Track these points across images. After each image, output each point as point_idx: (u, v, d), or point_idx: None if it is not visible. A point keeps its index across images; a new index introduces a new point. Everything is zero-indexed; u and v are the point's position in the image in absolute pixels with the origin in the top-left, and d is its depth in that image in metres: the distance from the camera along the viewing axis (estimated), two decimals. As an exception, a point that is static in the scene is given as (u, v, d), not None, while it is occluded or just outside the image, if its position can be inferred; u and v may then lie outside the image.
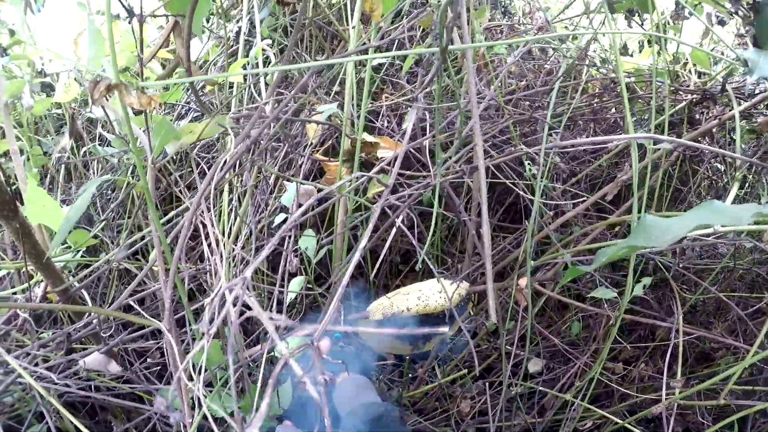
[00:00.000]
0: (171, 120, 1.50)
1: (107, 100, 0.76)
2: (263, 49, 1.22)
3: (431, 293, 1.24)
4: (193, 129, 0.90)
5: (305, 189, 1.36)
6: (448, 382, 1.61)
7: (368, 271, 1.72)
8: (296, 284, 1.23)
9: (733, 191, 0.95)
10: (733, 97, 1.07)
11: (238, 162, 1.24)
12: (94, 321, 1.02)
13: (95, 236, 1.22)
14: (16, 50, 1.31)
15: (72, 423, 1.05)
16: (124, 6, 0.89)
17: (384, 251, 1.12)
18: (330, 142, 1.51)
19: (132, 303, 1.06)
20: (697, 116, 1.34)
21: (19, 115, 1.56)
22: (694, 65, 1.40)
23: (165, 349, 0.91)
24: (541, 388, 1.55)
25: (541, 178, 1.27)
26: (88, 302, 1.13)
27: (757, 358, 1.01)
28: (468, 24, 1.39)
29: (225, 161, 0.92)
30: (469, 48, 0.88)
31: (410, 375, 1.67)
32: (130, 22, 0.92)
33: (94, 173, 1.58)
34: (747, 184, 1.60)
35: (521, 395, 1.61)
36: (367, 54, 1.24)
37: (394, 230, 1.11)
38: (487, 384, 1.50)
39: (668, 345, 1.39)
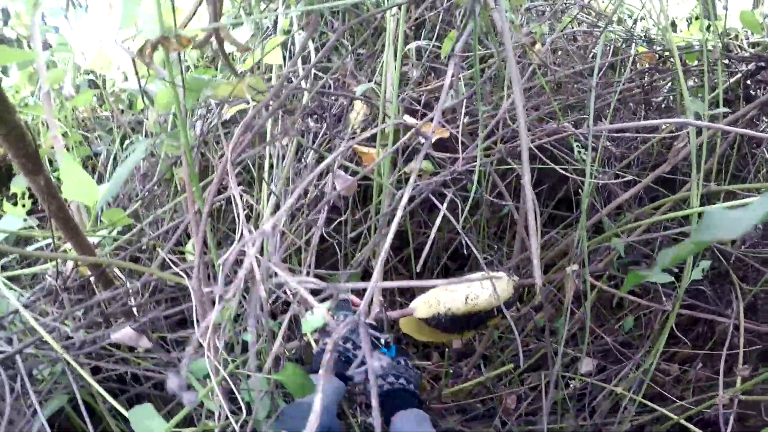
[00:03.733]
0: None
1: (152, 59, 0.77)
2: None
3: (480, 291, 1.17)
4: (227, 85, 0.90)
5: (345, 179, 1.33)
6: (493, 379, 1.54)
7: (413, 267, 1.67)
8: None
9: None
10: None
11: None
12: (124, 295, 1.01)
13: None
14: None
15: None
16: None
17: (431, 238, 1.07)
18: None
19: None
20: (753, 92, 1.26)
21: (65, 110, 1.59)
22: (747, 37, 1.31)
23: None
24: (593, 381, 1.45)
25: (591, 161, 1.20)
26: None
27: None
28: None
29: (254, 117, 0.90)
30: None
31: (451, 371, 1.61)
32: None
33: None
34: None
35: (570, 396, 1.51)
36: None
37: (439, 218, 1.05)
38: (540, 378, 1.39)
39: (727, 343, 1.27)
